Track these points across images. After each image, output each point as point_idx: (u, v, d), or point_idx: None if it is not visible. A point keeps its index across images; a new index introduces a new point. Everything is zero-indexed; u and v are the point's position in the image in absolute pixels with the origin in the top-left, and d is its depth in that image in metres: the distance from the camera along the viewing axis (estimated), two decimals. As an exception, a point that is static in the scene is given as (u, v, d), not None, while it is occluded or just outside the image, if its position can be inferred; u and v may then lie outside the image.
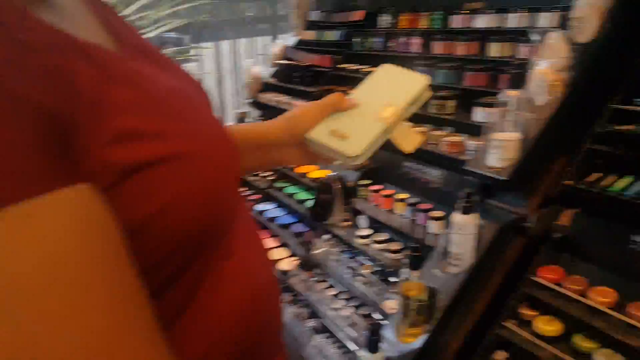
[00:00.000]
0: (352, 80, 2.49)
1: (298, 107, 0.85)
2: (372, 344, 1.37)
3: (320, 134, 0.81)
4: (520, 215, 1.41)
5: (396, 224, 1.77)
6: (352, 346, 1.65)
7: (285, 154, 0.86)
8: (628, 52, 1.40)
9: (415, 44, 2.20)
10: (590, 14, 1.39)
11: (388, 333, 1.47)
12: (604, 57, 1.39)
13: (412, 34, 2.23)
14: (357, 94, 0.87)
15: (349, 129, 0.80)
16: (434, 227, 1.63)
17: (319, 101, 0.84)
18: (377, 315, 1.66)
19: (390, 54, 2.35)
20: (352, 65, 2.51)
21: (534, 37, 1.61)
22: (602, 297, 1.19)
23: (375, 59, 2.40)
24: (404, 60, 2.18)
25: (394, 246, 1.73)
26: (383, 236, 1.80)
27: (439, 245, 1.53)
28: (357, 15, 2.60)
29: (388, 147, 0.86)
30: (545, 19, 1.68)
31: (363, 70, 2.40)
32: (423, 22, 2.21)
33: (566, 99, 1.38)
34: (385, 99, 0.83)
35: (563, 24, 1.54)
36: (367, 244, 1.82)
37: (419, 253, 1.39)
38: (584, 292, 1.23)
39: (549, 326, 1.25)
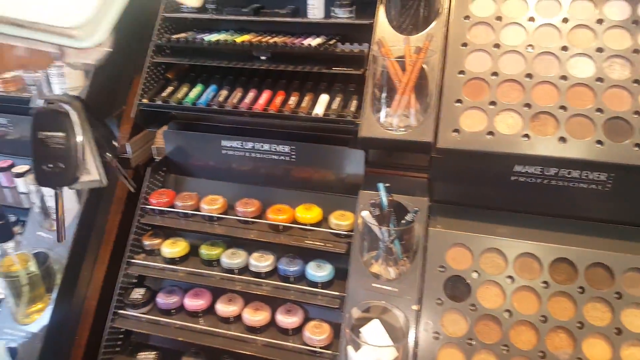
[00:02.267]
0: None
1: None
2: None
3: None
4: (116, 147, 1.21)
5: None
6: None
7: None
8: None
9: None
10: None
11: (5, 322, 1.13)
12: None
13: None
14: None
15: None
16: (21, 184, 1.28)
17: None
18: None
19: None
20: None
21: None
22: (213, 205, 1.16)
23: None
24: None
25: (-21, 222, 1.29)
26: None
27: (34, 205, 1.20)
28: None
29: None
30: None
31: None
32: None
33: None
34: None
35: None
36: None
37: (2, 221, 1.05)
38: (197, 206, 1.18)
39: (174, 248, 1.16)
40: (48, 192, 1.14)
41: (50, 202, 1.15)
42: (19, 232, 1.19)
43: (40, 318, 1.12)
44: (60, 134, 0.48)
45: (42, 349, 1.09)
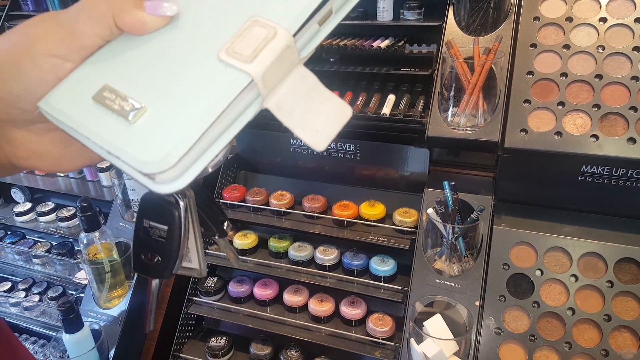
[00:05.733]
0: None
1: (11, 31, 0.35)
2: (69, 324, 1.12)
3: (69, 99, 0.34)
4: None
5: (62, 188, 1.44)
6: (54, 335, 1.35)
7: (5, 146, 0.38)
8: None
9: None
10: None
11: (89, 305, 1.23)
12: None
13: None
14: None
15: (146, 90, 0.34)
16: (104, 178, 1.38)
17: (65, 10, 0.35)
18: (72, 292, 1.38)
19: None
20: None
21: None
22: (281, 200, 1.23)
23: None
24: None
25: (65, 212, 1.41)
26: (48, 206, 1.45)
27: (116, 197, 1.31)
28: None
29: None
30: None
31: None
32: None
33: None
34: (248, 6, 0.36)
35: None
36: (31, 220, 1.44)
37: (90, 212, 1.14)
38: (266, 201, 1.24)
39: (245, 240, 1.24)
40: (130, 185, 1.23)
41: (132, 195, 1.24)
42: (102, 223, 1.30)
43: (120, 303, 1.22)
44: (163, 227, 0.42)
45: (122, 332, 1.19)
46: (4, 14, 1.57)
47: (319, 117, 0.37)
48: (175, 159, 0.31)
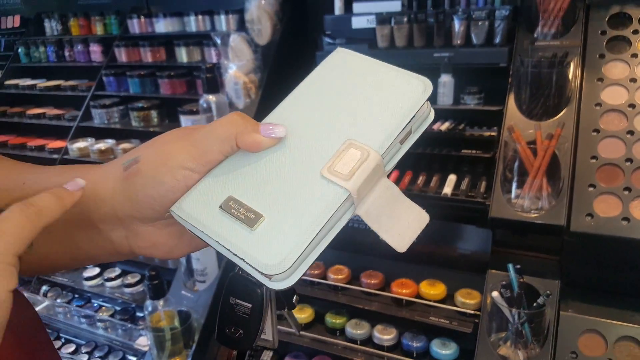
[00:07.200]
0: (28, 101, 2.03)
1: (151, 144, 0.43)
2: (131, 392, 1.15)
3: (199, 206, 0.40)
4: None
5: (127, 254, 1.53)
6: (110, 401, 1.39)
7: (130, 237, 0.44)
8: (300, 50, 1.46)
9: (96, 53, 1.89)
10: (261, 16, 1.40)
11: (148, 372, 1.27)
12: (282, 57, 1.43)
13: (88, 41, 1.91)
14: (285, 117, 0.44)
15: (263, 201, 0.40)
16: (169, 247, 1.46)
17: (195, 130, 0.42)
18: (132, 358, 1.42)
19: (69, 65, 1.97)
20: (23, 80, 2.03)
21: (217, 40, 1.54)
22: (338, 275, 1.25)
23: (51, 72, 2.01)
24: (86, 71, 1.89)
25: (131, 279, 1.49)
26: (115, 271, 1.53)
27: (181, 265, 1.37)
28: (11, 21, 2.12)
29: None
30: (223, 22, 1.62)
31: (40, 85, 1.96)
32: (99, 28, 1.91)
33: (262, 100, 1.38)
34: (344, 130, 0.42)
35: (241, 27, 1.52)
36: (98, 285, 1.53)
37: (157, 280, 1.20)
38: (323, 274, 1.27)
39: (302, 314, 1.25)
40: (194, 255, 1.30)
41: (196, 265, 1.30)
42: (165, 291, 1.35)
43: (177, 372, 1.25)
44: (248, 304, 0.46)
45: (177, 402, 1.21)
46: (90, 94, 1.76)
47: (400, 223, 0.43)
48: (291, 263, 0.37)
